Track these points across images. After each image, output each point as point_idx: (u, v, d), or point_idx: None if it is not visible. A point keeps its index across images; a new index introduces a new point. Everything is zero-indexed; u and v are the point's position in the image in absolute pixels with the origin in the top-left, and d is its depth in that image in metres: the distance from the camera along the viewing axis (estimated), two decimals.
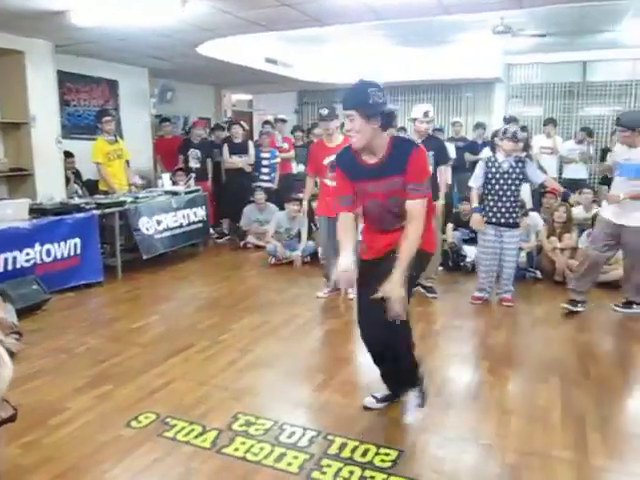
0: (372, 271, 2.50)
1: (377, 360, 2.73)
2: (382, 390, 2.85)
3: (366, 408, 2.82)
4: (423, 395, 2.73)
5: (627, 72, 9.24)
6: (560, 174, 7.94)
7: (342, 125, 3.66)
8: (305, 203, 5.19)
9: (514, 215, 4.47)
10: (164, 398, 2.95)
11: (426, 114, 4.56)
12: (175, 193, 6.51)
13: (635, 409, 2.93)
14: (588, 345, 3.75)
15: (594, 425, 2.67)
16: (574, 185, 7.10)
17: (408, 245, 2.33)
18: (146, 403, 2.89)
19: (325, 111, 4.47)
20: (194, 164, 7.56)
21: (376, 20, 5.73)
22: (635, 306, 4.34)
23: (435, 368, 3.32)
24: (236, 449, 2.46)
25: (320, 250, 5.22)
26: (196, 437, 2.55)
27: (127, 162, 6.50)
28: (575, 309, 4.29)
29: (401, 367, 2.67)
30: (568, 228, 5.41)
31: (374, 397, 2.87)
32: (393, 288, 2.24)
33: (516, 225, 4.52)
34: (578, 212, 5.90)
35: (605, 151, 7.58)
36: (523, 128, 7.48)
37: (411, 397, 2.74)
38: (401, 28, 7.09)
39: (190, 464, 2.35)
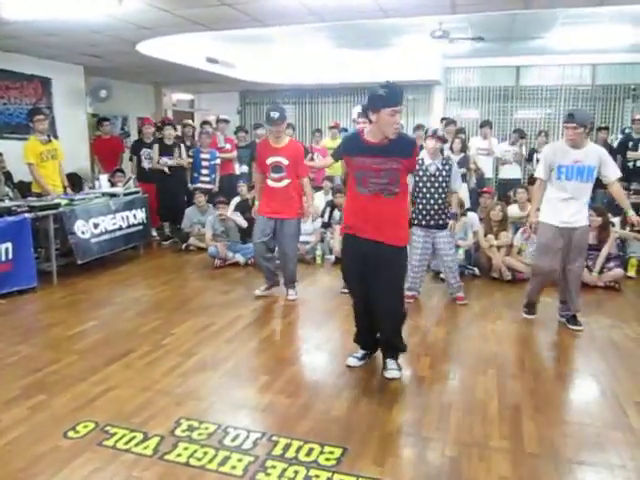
0: (359, 249, 3.08)
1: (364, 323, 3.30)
2: (360, 350, 3.38)
3: (349, 367, 3.31)
4: (399, 364, 3.19)
5: (556, 77, 9.71)
6: (496, 174, 8.23)
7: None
8: (257, 203, 5.09)
9: (443, 216, 4.51)
10: (104, 406, 2.87)
11: (360, 114, 4.62)
12: (113, 195, 6.33)
13: (566, 398, 3.08)
14: (523, 338, 3.91)
15: (528, 415, 2.79)
16: (509, 185, 7.40)
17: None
18: (84, 412, 2.80)
19: (276, 114, 4.41)
20: (147, 164, 7.34)
21: (317, 22, 5.78)
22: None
23: (378, 365, 3.38)
24: (179, 455, 2.42)
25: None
26: (137, 445, 2.49)
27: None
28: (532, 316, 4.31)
29: (394, 339, 3.21)
30: (504, 226, 5.62)
31: (355, 357, 3.37)
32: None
33: (445, 226, 4.55)
34: (513, 211, 6.14)
35: (533, 152, 7.88)
36: (460, 130, 7.72)
37: (391, 363, 3.16)
38: (343, 30, 7.19)
39: (131, 472, 2.30)
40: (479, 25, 7.00)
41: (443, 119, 8.50)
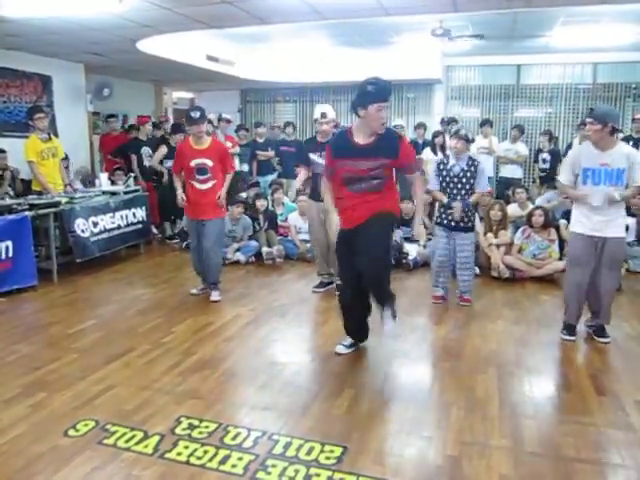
0: (349, 240, 3.18)
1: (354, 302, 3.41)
2: (348, 338, 3.54)
3: (338, 354, 3.47)
4: (394, 311, 3.23)
5: (558, 76, 9.68)
6: (497, 173, 8.23)
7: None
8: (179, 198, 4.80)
9: (466, 219, 4.43)
10: (104, 404, 2.86)
11: (323, 115, 4.58)
12: (113, 193, 6.33)
13: (565, 397, 3.07)
14: (523, 337, 3.90)
15: (529, 414, 2.78)
16: (509, 184, 7.38)
17: (419, 197, 3.44)
18: (85, 410, 2.79)
19: (197, 114, 4.35)
20: (148, 162, 7.36)
21: (319, 20, 5.76)
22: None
23: (378, 363, 3.38)
24: (179, 453, 2.41)
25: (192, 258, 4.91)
26: (137, 443, 2.49)
27: (67, 158, 6.26)
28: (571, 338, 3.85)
29: (382, 292, 3.23)
30: (504, 225, 5.62)
31: (343, 345, 3.52)
32: (418, 228, 3.47)
33: (469, 229, 4.48)
34: (513, 209, 6.14)
35: (538, 152, 7.88)
36: (452, 119, 7.75)
37: (386, 313, 3.20)
38: (344, 28, 7.17)
39: (131, 471, 2.30)
40: (480, 24, 6.98)
41: (443, 118, 8.50)
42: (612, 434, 2.59)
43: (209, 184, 4.51)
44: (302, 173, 4.89)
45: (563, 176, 3.79)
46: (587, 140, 3.67)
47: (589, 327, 3.92)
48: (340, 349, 3.52)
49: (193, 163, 4.46)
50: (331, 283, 4.92)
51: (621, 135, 7.72)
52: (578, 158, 3.66)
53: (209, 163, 4.45)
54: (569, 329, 3.84)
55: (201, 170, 4.47)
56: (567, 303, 3.85)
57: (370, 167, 3.07)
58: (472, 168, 4.39)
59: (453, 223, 4.45)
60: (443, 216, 4.50)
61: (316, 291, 4.96)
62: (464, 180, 4.39)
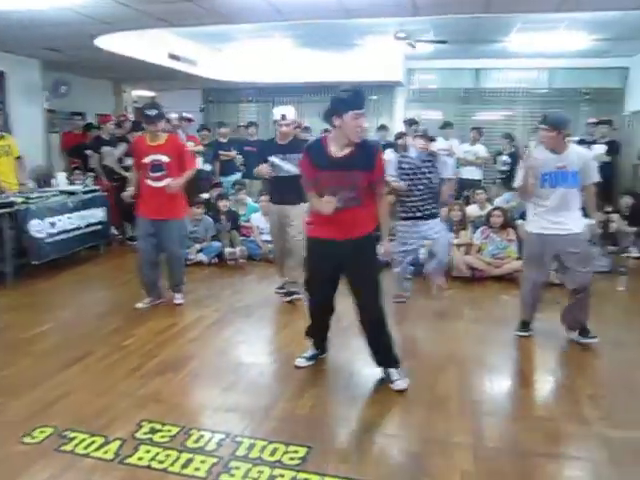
0: (327, 251, 3.04)
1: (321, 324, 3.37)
2: (309, 350, 3.41)
3: (297, 367, 3.32)
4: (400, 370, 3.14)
5: (515, 80, 9.94)
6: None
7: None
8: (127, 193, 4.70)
9: (429, 207, 4.49)
10: (62, 410, 2.79)
11: (284, 117, 4.41)
12: (72, 193, 6.17)
13: (524, 393, 3.15)
14: (483, 336, 3.99)
15: (489, 410, 2.85)
16: (468, 185, 7.53)
17: (384, 217, 3.17)
18: (41, 417, 2.72)
19: (153, 112, 4.22)
20: (110, 162, 7.21)
21: (281, 20, 5.75)
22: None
23: (342, 363, 3.40)
24: (140, 458, 2.38)
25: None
26: (97, 449, 2.44)
27: (19, 159, 6.07)
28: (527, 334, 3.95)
29: (381, 337, 3.14)
30: (464, 225, 5.73)
31: (304, 357, 3.39)
32: (386, 247, 3.22)
33: (433, 215, 4.52)
34: (472, 210, 6.26)
35: (498, 154, 8.06)
36: (412, 121, 7.86)
37: (394, 373, 3.11)
38: (307, 30, 7.19)
39: (90, 478, 2.25)
40: (441, 27, 7.10)
41: (405, 120, 8.60)
42: (568, 428, 2.68)
43: (164, 182, 4.29)
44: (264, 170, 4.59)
45: (519, 178, 3.78)
46: (541, 145, 3.68)
47: (571, 330, 3.84)
48: (300, 362, 3.37)
49: (148, 159, 4.27)
50: (294, 293, 4.72)
51: (576, 138, 7.98)
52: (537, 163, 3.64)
53: (164, 159, 4.27)
54: (524, 325, 3.95)
55: (155, 167, 4.27)
56: (523, 301, 3.94)
57: (346, 180, 2.91)
58: (431, 158, 4.51)
59: (420, 213, 4.48)
60: (406, 210, 4.52)
61: (278, 292, 4.86)
62: (424, 169, 4.46)
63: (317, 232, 3.12)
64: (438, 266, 4.73)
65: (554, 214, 3.63)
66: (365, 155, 2.93)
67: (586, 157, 3.68)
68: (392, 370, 3.13)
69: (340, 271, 3.09)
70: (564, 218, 3.62)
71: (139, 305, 4.51)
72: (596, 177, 3.67)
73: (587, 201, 3.75)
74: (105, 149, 7.28)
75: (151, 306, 4.53)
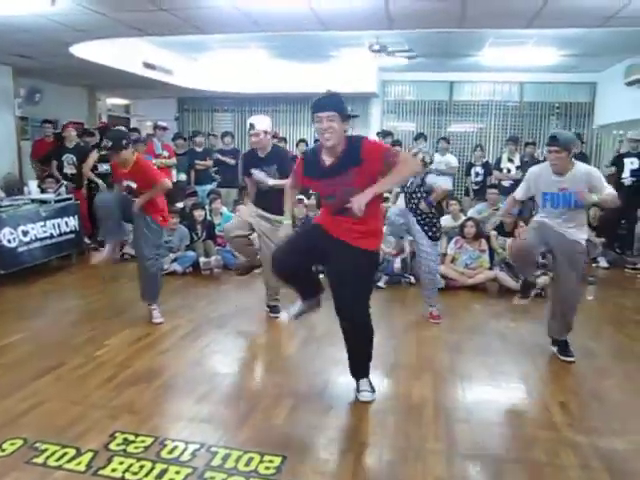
0: (320, 235, 2.93)
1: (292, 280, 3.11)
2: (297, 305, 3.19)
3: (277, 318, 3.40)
4: (371, 382, 3.11)
5: (488, 93, 10.18)
6: None
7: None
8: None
9: (433, 229, 4.47)
10: (32, 422, 2.74)
11: (252, 126, 4.24)
12: (44, 201, 6.08)
13: (496, 400, 3.20)
14: (457, 344, 4.05)
15: (462, 417, 2.89)
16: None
17: (393, 175, 2.76)
18: (11, 428, 2.66)
19: (108, 143, 4.09)
20: (69, 170, 7.15)
21: (257, 31, 5.80)
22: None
23: (316, 373, 3.41)
24: (114, 470, 2.35)
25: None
26: (69, 461, 2.40)
27: None
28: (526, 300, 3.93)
29: (357, 345, 3.06)
30: (438, 235, 5.79)
31: (288, 312, 3.26)
32: (358, 199, 2.65)
33: (434, 239, 4.50)
34: (446, 221, 6.35)
35: (470, 166, 8.20)
36: (396, 142, 7.93)
37: (363, 383, 3.08)
38: (283, 41, 7.25)
39: None
40: (415, 41, 7.23)
41: (379, 132, 8.71)
42: (538, 434, 2.73)
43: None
44: (250, 185, 4.55)
45: (519, 193, 3.80)
46: (548, 164, 3.51)
47: (554, 343, 3.82)
48: (283, 316, 3.27)
49: (124, 184, 4.27)
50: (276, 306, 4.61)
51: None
52: (537, 182, 3.61)
53: (133, 185, 4.23)
54: (524, 289, 3.89)
55: (128, 189, 4.26)
56: (516, 261, 3.84)
57: (339, 184, 2.80)
58: (421, 182, 4.43)
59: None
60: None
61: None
62: (419, 195, 4.44)
63: (319, 220, 3.09)
64: (426, 292, 4.64)
65: (557, 226, 3.57)
66: (350, 152, 2.79)
67: (590, 175, 3.46)
68: (362, 380, 3.11)
69: (319, 256, 2.98)
70: (566, 229, 3.55)
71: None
72: (606, 189, 3.44)
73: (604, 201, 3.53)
74: (66, 157, 7.21)
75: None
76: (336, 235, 2.91)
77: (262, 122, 4.29)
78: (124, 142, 4.09)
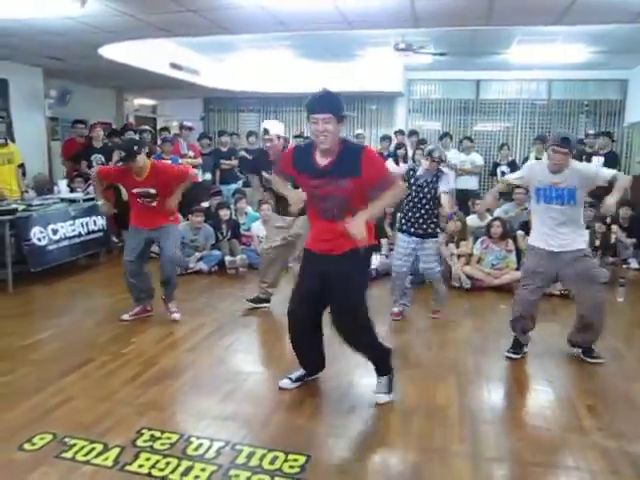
0: (315, 265, 2.93)
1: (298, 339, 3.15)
2: (296, 372, 3.21)
3: (281, 389, 3.15)
4: (390, 381, 3.08)
5: (515, 91, 10.02)
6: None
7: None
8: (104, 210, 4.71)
9: (426, 226, 4.45)
10: (62, 417, 2.80)
11: (266, 131, 4.35)
12: (73, 201, 6.20)
13: (521, 402, 3.16)
14: (482, 346, 4.00)
15: (487, 419, 2.86)
16: (467, 195, 7.56)
17: (381, 200, 2.79)
18: (41, 423, 2.72)
19: (122, 154, 4.06)
20: None
21: (283, 31, 5.82)
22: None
23: (340, 373, 3.40)
24: (140, 466, 2.38)
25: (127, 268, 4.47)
26: (97, 456, 2.44)
27: (23, 166, 6.10)
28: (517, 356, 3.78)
29: (368, 346, 3.05)
30: (463, 235, 5.76)
31: (289, 378, 3.19)
32: (355, 225, 2.65)
33: (431, 235, 4.48)
34: (472, 221, 6.29)
35: (496, 165, 8.11)
36: (422, 141, 7.88)
37: (380, 384, 3.07)
38: (308, 40, 7.25)
39: None
40: (440, 39, 7.17)
41: (397, 132, 8.66)
42: (566, 438, 2.68)
43: (154, 202, 4.26)
44: (255, 183, 4.69)
45: (514, 176, 3.86)
46: (548, 162, 3.52)
47: (574, 345, 3.78)
48: (285, 383, 3.18)
49: (135, 190, 4.22)
50: (267, 301, 4.78)
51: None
52: (532, 177, 3.64)
53: (152, 191, 4.20)
54: (515, 347, 3.79)
55: (144, 195, 4.22)
56: (514, 314, 3.82)
57: (331, 192, 2.74)
58: (435, 178, 4.43)
59: (420, 230, 4.47)
60: (408, 224, 4.53)
61: (248, 299, 4.80)
62: (426, 190, 4.44)
63: (307, 244, 3.05)
64: (436, 297, 4.66)
65: (554, 230, 3.56)
66: (348, 160, 2.72)
67: (585, 172, 3.52)
68: (380, 380, 3.08)
69: (325, 287, 2.91)
70: (564, 235, 3.55)
71: (124, 316, 4.41)
72: (607, 174, 3.50)
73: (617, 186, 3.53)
74: (94, 157, 7.30)
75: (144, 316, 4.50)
76: (325, 251, 2.88)
77: (276, 127, 4.45)
78: (136, 147, 4.06)
